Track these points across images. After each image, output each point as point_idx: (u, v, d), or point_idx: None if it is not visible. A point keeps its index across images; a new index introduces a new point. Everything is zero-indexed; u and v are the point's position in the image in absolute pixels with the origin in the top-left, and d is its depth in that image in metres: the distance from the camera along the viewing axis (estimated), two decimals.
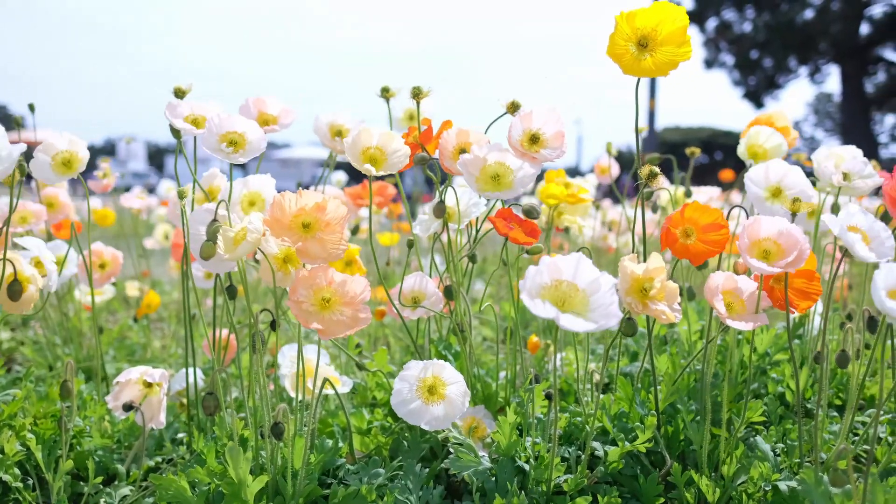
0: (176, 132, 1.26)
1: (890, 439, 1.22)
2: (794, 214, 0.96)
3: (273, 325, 1.25)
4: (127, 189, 3.86)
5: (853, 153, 1.16)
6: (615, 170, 2.04)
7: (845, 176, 1.13)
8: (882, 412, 1.29)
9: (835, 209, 1.27)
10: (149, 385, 1.25)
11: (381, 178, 2.07)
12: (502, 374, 1.40)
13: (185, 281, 1.36)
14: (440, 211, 1.21)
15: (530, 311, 0.77)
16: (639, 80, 1.06)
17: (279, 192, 1.07)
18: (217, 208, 1.04)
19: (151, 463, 1.32)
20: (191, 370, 1.38)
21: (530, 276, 0.79)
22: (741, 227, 0.95)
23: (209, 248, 0.98)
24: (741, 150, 1.31)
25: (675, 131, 25.75)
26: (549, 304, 0.77)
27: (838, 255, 1.05)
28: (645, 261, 0.93)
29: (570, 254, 0.82)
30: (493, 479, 1.05)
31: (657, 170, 1.01)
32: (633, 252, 1.27)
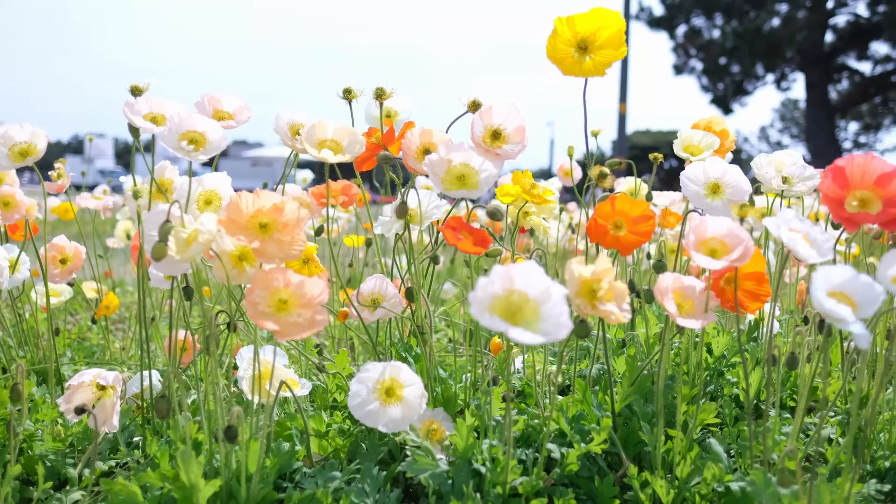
0: (134, 130, 1.25)
1: (841, 440, 1.25)
2: (741, 219, 0.98)
3: (229, 326, 1.24)
4: (92, 187, 3.79)
5: (793, 158, 1.19)
6: (577, 173, 2.06)
7: (785, 179, 1.16)
8: (832, 413, 1.32)
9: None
10: (102, 388, 1.23)
11: (348, 177, 2.06)
12: (467, 375, 1.40)
13: (142, 281, 1.33)
14: (401, 212, 1.21)
15: (479, 323, 0.76)
16: (586, 83, 1.10)
17: (250, 191, 1.06)
18: (171, 208, 1.02)
19: (105, 467, 1.29)
20: (147, 373, 1.35)
21: (481, 286, 0.78)
22: (688, 228, 0.97)
23: (160, 249, 0.97)
24: (677, 148, 1.34)
25: (645, 135, 26.05)
26: (496, 318, 0.76)
27: (792, 260, 1.08)
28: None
29: (522, 262, 0.81)
30: (450, 481, 1.05)
31: (607, 171, 1.03)
32: (598, 252, 1.29)
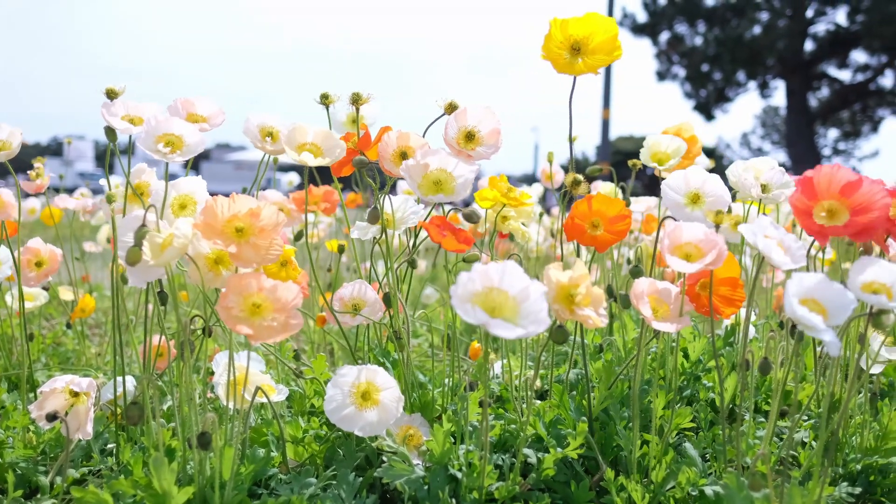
0: (110, 133, 1.24)
1: (814, 444, 1.26)
2: (717, 226, 0.99)
3: (205, 331, 1.23)
4: (71, 190, 3.75)
5: (771, 165, 1.20)
6: (559, 176, 2.08)
7: (763, 187, 1.17)
8: (805, 417, 1.33)
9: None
10: (75, 394, 1.21)
11: (329, 181, 2.06)
12: (448, 380, 1.40)
13: (117, 285, 1.32)
14: (374, 217, 1.21)
15: (461, 316, 0.77)
16: (572, 92, 1.11)
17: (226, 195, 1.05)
18: (146, 213, 1.01)
19: (77, 475, 1.27)
20: (121, 379, 1.34)
21: (462, 283, 0.79)
22: (663, 233, 0.98)
23: (135, 254, 0.96)
24: (644, 157, 1.36)
25: (628, 140, 26.28)
26: (479, 310, 0.77)
27: (768, 265, 1.08)
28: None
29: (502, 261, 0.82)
30: (426, 487, 1.05)
31: (580, 177, 1.04)
32: (576, 257, 1.29)
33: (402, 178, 1.21)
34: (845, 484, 1.13)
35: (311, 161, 1.20)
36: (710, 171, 1.42)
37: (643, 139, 1.40)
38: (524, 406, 1.24)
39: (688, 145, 1.31)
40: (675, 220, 1.14)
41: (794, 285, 0.86)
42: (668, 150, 1.32)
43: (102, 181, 1.76)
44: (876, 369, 1.31)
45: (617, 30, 1.09)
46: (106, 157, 1.29)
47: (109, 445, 1.36)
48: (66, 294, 2.21)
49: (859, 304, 0.90)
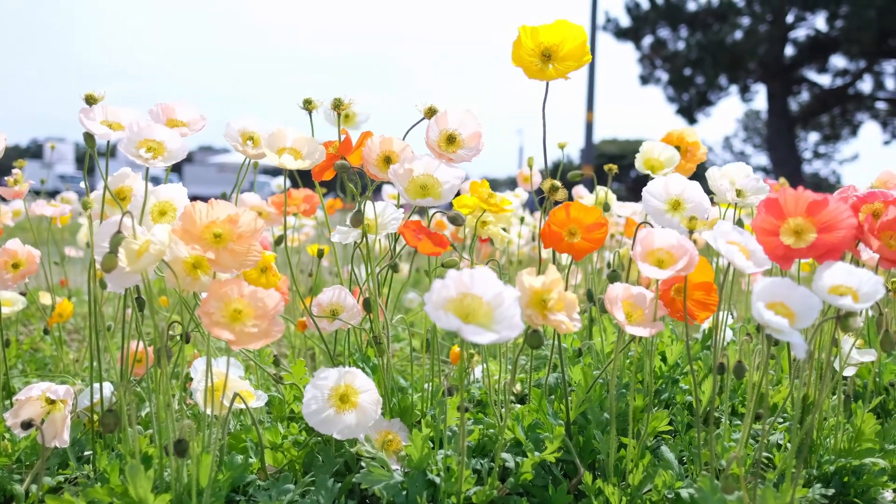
0: (89, 139, 1.23)
1: (788, 446, 1.28)
2: (691, 231, 1.00)
3: (182, 337, 1.22)
4: (52, 193, 3.70)
5: (746, 171, 1.22)
6: (537, 178, 2.12)
7: (738, 193, 1.19)
8: (780, 420, 1.35)
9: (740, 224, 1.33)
10: (52, 402, 1.20)
11: (313, 185, 2.05)
12: (429, 385, 1.40)
13: (94, 290, 1.31)
14: (357, 221, 1.21)
15: (434, 322, 0.78)
16: (546, 94, 1.12)
17: (204, 200, 1.05)
18: (122, 219, 1.01)
19: (53, 482, 1.26)
20: (98, 385, 1.33)
21: (436, 289, 0.80)
22: (637, 239, 0.99)
23: (110, 260, 0.95)
24: (638, 164, 1.37)
25: (612, 143, 26.43)
26: (452, 316, 0.77)
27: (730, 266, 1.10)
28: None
29: (478, 267, 0.83)
30: (404, 492, 1.05)
31: (558, 184, 1.05)
32: (552, 263, 1.30)
33: (386, 182, 1.22)
34: (819, 485, 1.14)
35: (291, 164, 1.21)
36: (693, 173, 1.44)
37: (627, 142, 1.41)
38: (503, 410, 1.25)
39: (692, 150, 1.33)
40: (652, 225, 1.16)
41: (761, 289, 0.88)
42: (660, 158, 1.33)
43: (83, 184, 1.75)
44: (849, 372, 1.33)
45: (586, 36, 1.11)
46: (86, 162, 1.28)
47: (87, 452, 1.35)
48: (45, 297, 2.18)
49: (830, 308, 0.91)
